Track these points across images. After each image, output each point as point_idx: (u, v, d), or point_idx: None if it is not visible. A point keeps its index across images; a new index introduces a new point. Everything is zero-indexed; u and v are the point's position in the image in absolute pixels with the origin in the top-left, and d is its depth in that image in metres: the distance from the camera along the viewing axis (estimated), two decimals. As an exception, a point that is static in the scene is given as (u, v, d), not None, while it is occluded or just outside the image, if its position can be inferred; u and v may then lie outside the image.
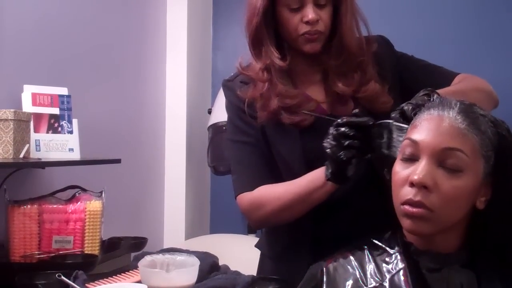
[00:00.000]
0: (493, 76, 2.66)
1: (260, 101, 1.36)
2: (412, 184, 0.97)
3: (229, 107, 1.46)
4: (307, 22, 1.29)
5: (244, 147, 1.41)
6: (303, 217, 1.31)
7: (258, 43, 1.38)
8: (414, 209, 0.96)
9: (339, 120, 1.14)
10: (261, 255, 1.55)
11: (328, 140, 1.14)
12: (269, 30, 1.35)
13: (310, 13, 1.28)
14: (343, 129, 1.12)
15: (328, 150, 1.13)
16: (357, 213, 1.32)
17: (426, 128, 0.99)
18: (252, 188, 1.37)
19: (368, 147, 1.12)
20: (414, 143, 1.00)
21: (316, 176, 1.23)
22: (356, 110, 1.16)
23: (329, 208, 1.30)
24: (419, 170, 0.96)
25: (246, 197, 1.38)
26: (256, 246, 1.56)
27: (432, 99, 1.06)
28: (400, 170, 1.01)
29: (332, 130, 1.14)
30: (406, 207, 0.97)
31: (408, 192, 0.97)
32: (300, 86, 1.38)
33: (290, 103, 1.33)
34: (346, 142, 1.11)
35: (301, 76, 1.40)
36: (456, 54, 2.69)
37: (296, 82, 1.39)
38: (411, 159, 1.00)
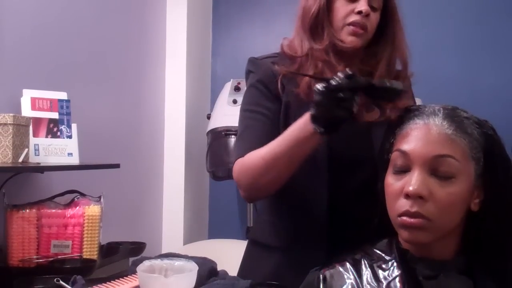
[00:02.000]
0: (494, 81, 2.69)
1: (314, 70, 1.37)
2: (407, 196, 0.97)
3: (253, 81, 1.46)
4: (359, 12, 1.34)
5: (256, 116, 1.41)
6: (317, 209, 1.33)
7: (317, 27, 1.40)
8: (412, 220, 0.96)
9: (333, 82, 1.10)
10: (255, 245, 1.53)
11: (323, 97, 1.11)
12: (326, 17, 1.39)
13: (363, 5, 1.34)
14: (341, 93, 1.09)
15: (322, 108, 1.12)
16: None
17: (415, 137, 1.00)
18: (246, 153, 1.36)
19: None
20: (404, 154, 1.00)
21: (301, 131, 1.22)
22: (349, 71, 1.12)
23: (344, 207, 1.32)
24: (413, 181, 0.97)
25: (238, 163, 1.37)
26: (250, 236, 1.54)
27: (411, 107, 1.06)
28: (393, 182, 1.01)
29: (327, 90, 1.10)
30: (404, 218, 0.97)
31: (404, 204, 0.98)
32: None
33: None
34: (345, 104, 1.09)
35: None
36: (457, 60, 2.71)
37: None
38: (403, 170, 1.00)
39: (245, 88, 1.49)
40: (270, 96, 1.41)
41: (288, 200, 1.41)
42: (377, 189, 1.10)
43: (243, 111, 1.46)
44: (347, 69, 1.11)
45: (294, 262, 1.39)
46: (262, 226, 1.52)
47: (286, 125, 1.34)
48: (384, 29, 1.41)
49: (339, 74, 1.10)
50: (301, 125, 1.21)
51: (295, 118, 1.31)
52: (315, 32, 1.41)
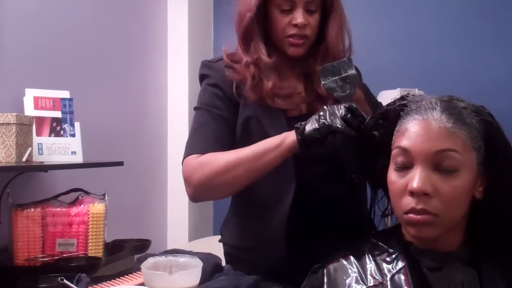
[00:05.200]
0: (499, 74, 2.67)
1: (252, 81, 1.38)
2: (412, 193, 0.97)
3: (208, 83, 1.47)
4: (296, 25, 1.35)
5: (212, 115, 1.42)
6: (279, 210, 1.34)
7: (248, 39, 1.42)
8: (419, 217, 0.96)
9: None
10: (228, 248, 1.55)
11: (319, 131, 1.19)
12: (259, 27, 1.39)
13: (299, 17, 1.34)
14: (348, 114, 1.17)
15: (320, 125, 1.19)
16: (327, 200, 1.38)
17: (414, 134, 0.99)
18: (203, 152, 1.35)
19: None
20: (405, 150, 0.99)
21: (275, 138, 1.27)
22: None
23: (300, 198, 1.34)
24: (416, 178, 0.96)
25: (193, 160, 1.35)
26: (222, 240, 1.56)
27: (407, 102, 1.06)
28: (396, 180, 1.01)
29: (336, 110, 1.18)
30: (411, 215, 0.97)
31: (409, 201, 0.97)
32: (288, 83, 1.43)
33: (283, 93, 1.38)
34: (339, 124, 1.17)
35: (286, 75, 1.44)
36: (462, 53, 2.70)
37: (282, 79, 1.43)
38: (405, 167, 1.00)
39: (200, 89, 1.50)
40: (225, 99, 1.42)
41: (255, 200, 1.42)
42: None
43: (198, 109, 1.47)
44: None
45: (259, 263, 1.41)
46: (228, 228, 1.56)
47: (246, 128, 1.39)
48: (323, 24, 1.41)
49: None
50: (278, 136, 1.26)
51: (263, 120, 1.37)
52: (245, 43, 1.42)
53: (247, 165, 1.27)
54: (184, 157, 1.38)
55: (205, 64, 1.50)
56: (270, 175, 1.29)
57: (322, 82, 1.28)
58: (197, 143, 1.39)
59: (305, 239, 1.39)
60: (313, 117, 1.21)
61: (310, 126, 1.20)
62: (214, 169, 1.30)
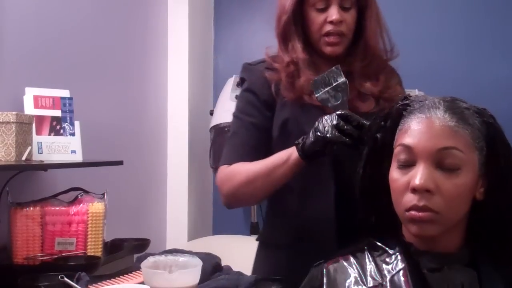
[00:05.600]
0: (499, 74, 2.68)
1: (287, 80, 1.41)
2: (414, 190, 0.97)
3: (244, 89, 1.52)
4: (331, 22, 1.36)
5: (243, 124, 1.47)
6: (326, 205, 1.35)
7: (285, 39, 1.45)
8: (421, 214, 0.96)
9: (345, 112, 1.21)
10: (265, 245, 1.54)
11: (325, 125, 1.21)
12: (297, 28, 1.42)
13: (334, 13, 1.36)
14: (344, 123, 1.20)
15: (320, 134, 1.21)
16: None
17: (418, 131, 0.99)
18: (232, 162, 1.43)
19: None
20: (408, 148, 0.99)
21: (283, 152, 1.31)
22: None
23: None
24: (418, 175, 0.96)
25: (223, 170, 1.44)
26: (259, 238, 1.55)
27: (411, 101, 1.06)
28: (398, 177, 1.01)
29: (334, 120, 1.21)
30: (412, 212, 0.97)
31: (411, 199, 0.97)
32: None
33: None
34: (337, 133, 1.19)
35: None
36: (456, 55, 2.70)
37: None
38: (407, 164, 1.00)
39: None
40: (258, 104, 1.46)
41: (293, 198, 1.42)
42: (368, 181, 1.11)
43: (233, 116, 1.53)
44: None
45: (304, 258, 1.39)
46: (270, 227, 1.54)
47: (284, 129, 1.41)
48: (361, 22, 1.42)
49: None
50: (286, 151, 1.30)
51: (301, 119, 1.38)
52: (284, 43, 1.45)
53: (263, 179, 1.34)
54: (219, 166, 1.46)
55: (245, 67, 1.53)
56: (306, 176, 1.34)
57: (316, 95, 1.30)
58: (228, 153, 1.46)
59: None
60: (312, 129, 1.24)
61: (308, 140, 1.24)
62: (238, 181, 1.38)
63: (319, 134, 1.21)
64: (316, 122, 1.23)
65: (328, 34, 1.38)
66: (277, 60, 1.46)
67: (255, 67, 1.50)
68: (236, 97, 2.61)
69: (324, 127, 1.20)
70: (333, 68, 1.31)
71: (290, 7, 1.40)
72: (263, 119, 1.44)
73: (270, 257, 1.51)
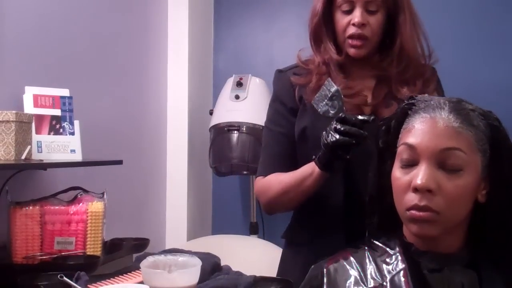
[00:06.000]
0: (493, 75, 2.67)
1: (318, 83, 1.43)
2: (415, 189, 0.97)
3: (272, 97, 1.58)
4: (354, 24, 1.38)
5: (273, 134, 1.53)
6: (334, 208, 1.40)
7: (317, 40, 1.48)
8: (421, 213, 0.96)
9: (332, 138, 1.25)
10: (287, 246, 1.59)
11: (331, 132, 1.25)
12: (327, 29, 1.46)
13: (357, 16, 1.38)
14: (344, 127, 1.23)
15: (328, 141, 1.25)
16: None
17: (421, 131, 0.99)
18: (266, 173, 1.50)
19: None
20: (411, 147, 1.00)
21: (308, 165, 1.36)
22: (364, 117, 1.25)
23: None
24: (421, 174, 0.96)
25: (259, 181, 1.51)
26: (284, 236, 1.59)
27: (416, 101, 1.06)
28: (400, 176, 1.01)
29: (337, 126, 1.24)
30: (413, 212, 0.97)
31: (412, 198, 0.97)
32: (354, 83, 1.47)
33: (346, 92, 1.40)
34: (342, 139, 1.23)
35: (355, 77, 1.47)
36: (457, 55, 2.69)
37: (350, 79, 1.46)
38: (410, 164, 1.00)
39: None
40: (285, 113, 1.51)
41: (308, 200, 1.44)
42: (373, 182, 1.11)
43: (264, 127, 1.59)
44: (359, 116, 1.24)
45: (319, 255, 1.41)
46: (290, 227, 1.59)
47: (303, 136, 1.45)
48: (394, 26, 1.43)
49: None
50: (310, 164, 1.35)
51: (313, 127, 1.42)
52: (316, 44, 1.49)
53: (294, 190, 1.40)
54: (256, 177, 1.55)
55: (275, 75, 1.58)
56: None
57: (318, 110, 1.34)
58: (262, 165, 1.53)
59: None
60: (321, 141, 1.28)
61: (321, 151, 1.29)
62: (273, 194, 1.46)
63: (325, 142, 1.26)
64: (323, 133, 1.27)
65: (351, 36, 1.40)
66: (309, 63, 1.49)
67: (285, 74, 1.54)
68: (236, 97, 2.65)
69: (328, 135, 1.25)
70: (326, 81, 1.35)
71: (320, 9, 1.44)
72: (291, 127, 1.49)
73: (290, 256, 1.56)
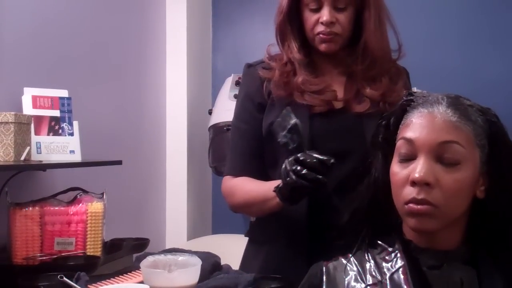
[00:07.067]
0: (496, 72, 2.68)
1: (281, 79, 1.42)
2: (413, 183, 0.97)
3: (240, 91, 1.57)
4: (322, 23, 1.37)
5: (241, 132, 1.51)
6: (298, 206, 1.35)
7: (283, 39, 1.47)
8: (419, 207, 0.96)
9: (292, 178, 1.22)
10: (249, 242, 1.58)
11: (289, 170, 1.22)
12: (293, 27, 1.44)
13: (325, 14, 1.36)
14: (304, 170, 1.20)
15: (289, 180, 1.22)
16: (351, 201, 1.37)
17: (419, 125, 1.00)
18: (235, 173, 1.49)
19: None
20: (409, 141, 1.00)
21: (271, 188, 1.31)
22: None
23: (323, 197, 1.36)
24: (418, 168, 0.97)
25: (227, 182, 1.51)
26: (247, 234, 1.59)
27: (414, 97, 1.06)
28: (399, 171, 1.01)
29: (295, 167, 1.21)
30: (411, 205, 0.97)
31: (410, 191, 0.97)
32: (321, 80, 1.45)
33: (313, 89, 1.41)
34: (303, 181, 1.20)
35: (324, 73, 1.46)
36: (459, 52, 2.69)
37: (318, 76, 1.45)
38: (408, 158, 1.00)
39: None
40: (253, 110, 1.48)
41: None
42: (368, 181, 1.10)
43: (232, 124, 1.57)
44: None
45: (279, 253, 1.44)
46: (254, 225, 1.60)
47: (270, 131, 1.41)
48: (360, 22, 1.42)
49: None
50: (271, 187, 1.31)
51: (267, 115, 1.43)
52: (282, 42, 1.48)
53: (257, 206, 1.41)
54: (223, 175, 1.54)
55: (244, 69, 1.55)
56: None
57: (278, 140, 1.30)
58: (230, 164, 1.52)
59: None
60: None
61: (281, 184, 1.26)
62: (237, 202, 1.48)
63: (284, 181, 1.24)
64: (282, 167, 1.25)
65: (319, 34, 1.39)
66: (275, 59, 1.47)
67: (254, 68, 1.51)
68: (235, 96, 2.64)
69: (286, 173, 1.23)
70: (284, 111, 1.31)
71: (286, 7, 1.42)
72: (259, 125, 1.46)
73: (252, 252, 1.55)
